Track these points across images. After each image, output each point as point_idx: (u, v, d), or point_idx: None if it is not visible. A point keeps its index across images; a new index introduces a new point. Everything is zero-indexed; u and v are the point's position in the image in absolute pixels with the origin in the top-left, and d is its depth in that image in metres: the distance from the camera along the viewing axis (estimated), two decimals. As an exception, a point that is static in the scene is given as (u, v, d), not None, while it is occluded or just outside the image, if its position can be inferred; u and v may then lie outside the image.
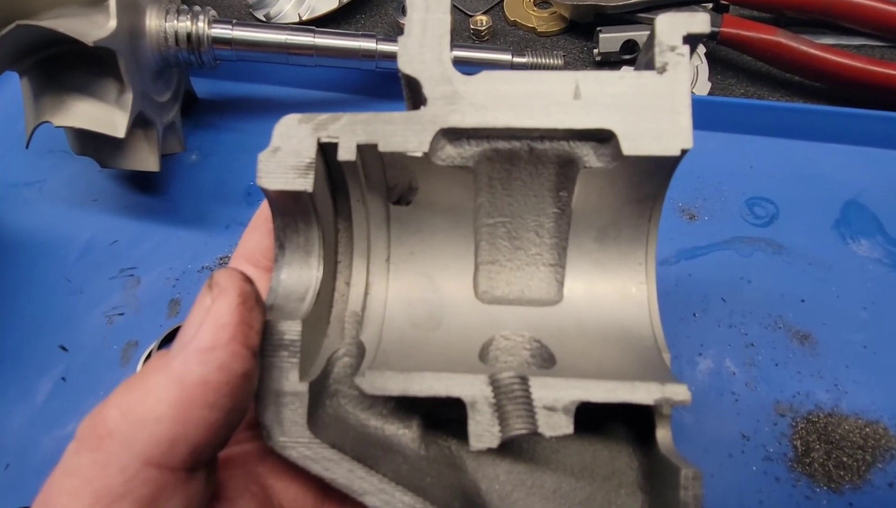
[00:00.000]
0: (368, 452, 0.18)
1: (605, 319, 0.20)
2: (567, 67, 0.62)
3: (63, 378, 0.47)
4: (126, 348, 0.48)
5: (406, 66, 0.18)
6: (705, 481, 0.37)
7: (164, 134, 0.54)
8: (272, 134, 0.18)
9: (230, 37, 0.52)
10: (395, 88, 0.41)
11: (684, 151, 0.17)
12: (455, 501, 0.17)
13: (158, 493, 0.15)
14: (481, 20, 0.65)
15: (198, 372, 0.15)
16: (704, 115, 0.54)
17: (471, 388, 0.16)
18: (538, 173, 0.20)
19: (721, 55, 0.62)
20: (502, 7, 0.69)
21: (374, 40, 0.55)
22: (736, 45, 0.58)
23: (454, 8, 0.70)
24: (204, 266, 0.52)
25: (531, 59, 0.59)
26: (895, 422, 0.39)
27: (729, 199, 0.52)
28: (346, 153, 0.18)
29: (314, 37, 0.54)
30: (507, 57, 0.59)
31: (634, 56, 0.61)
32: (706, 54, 0.60)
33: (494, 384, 0.16)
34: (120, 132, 0.44)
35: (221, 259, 0.53)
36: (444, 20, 0.19)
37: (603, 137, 0.18)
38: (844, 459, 0.38)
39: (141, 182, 0.58)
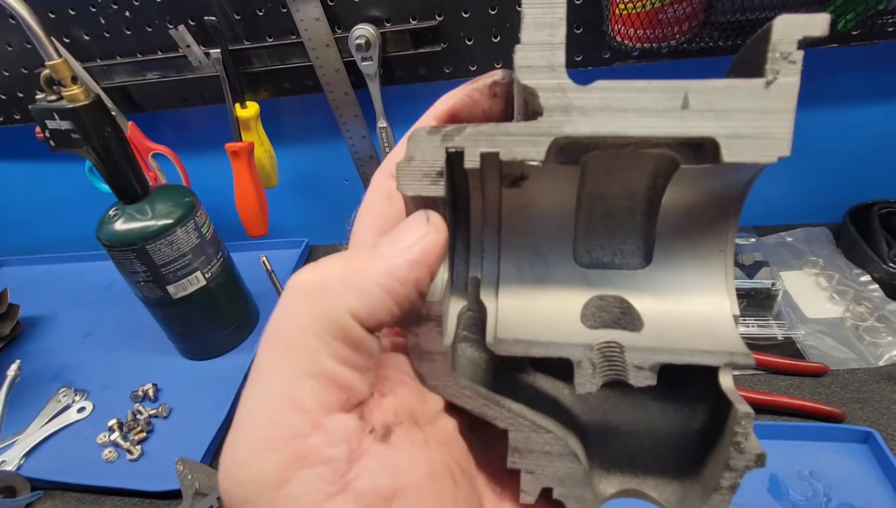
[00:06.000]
0: (496, 385, 0.23)
1: (685, 283, 0.23)
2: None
3: None
4: None
5: (526, 78, 0.19)
6: None
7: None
8: (405, 145, 0.20)
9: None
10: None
11: (780, 158, 0.18)
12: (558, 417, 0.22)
13: (357, 342, 0.18)
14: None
15: (402, 274, 0.18)
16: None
17: (577, 353, 0.20)
18: (638, 166, 0.22)
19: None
20: None
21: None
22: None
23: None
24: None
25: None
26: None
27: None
28: (471, 162, 0.20)
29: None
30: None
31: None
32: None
33: (595, 349, 0.20)
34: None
35: None
36: (560, 20, 0.19)
37: (705, 144, 0.19)
38: None
39: None
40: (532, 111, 0.20)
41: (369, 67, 0.70)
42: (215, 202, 0.82)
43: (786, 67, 0.18)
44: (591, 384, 0.20)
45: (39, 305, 0.95)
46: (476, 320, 0.24)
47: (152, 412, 0.72)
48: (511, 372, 0.24)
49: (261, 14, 0.70)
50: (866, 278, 0.72)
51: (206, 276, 0.73)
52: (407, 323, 0.21)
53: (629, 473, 0.22)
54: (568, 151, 0.21)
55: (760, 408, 0.60)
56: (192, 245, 0.70)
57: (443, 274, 0.21)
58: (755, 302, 0.68)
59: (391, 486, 0.17)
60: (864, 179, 0.78)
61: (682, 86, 0.18)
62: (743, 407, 0.19)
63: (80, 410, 0.74)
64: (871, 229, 0.74)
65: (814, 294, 0.72)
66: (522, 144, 0.19)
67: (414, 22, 0.69)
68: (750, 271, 0.69)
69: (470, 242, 0.24)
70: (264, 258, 0.56)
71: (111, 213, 0.67)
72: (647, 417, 0.23)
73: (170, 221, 0.67)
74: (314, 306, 0.17)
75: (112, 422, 0.71)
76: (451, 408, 0.22)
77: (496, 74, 0.24)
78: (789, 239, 0.79)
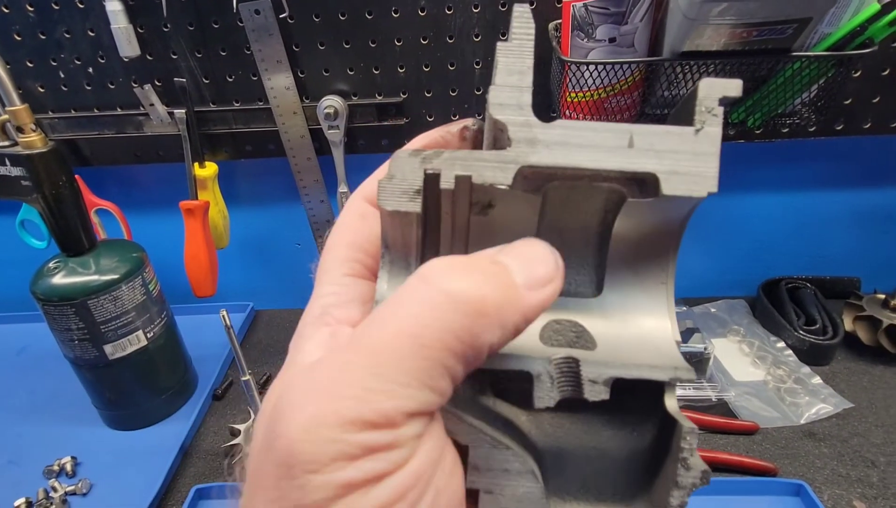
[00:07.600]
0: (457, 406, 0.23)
1: (632, 310, 0.25)
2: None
3: None
4: None
5: (497, 113, 0.22)
6: None
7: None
8: (388, 165, 0.22)
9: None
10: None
11: (710, 193, 0.21)
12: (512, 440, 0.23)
13: (472, 368, 0.18)
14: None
15: (530, 319, 0.19)
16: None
17: (537, 366, 0.21)
18: (591, 198, 0.24)
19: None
20: (453, 82, 0.75)
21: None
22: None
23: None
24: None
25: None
26: None
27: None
28: (446, 183, 0.21)
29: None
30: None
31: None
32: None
33: (554, 363, 0.21)
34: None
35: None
36: (528, 68, 0.22)
37: (648, 179, 0.22)
38: None
39: None
40: (500, 146, 0.22)
41: (335, 134, 0.73)
42: (159, 262, 0.79)
43: (710, 119, 0.21)
44: (549, 398, 0.21)
45: (-63, 372, 0.84)
46: None
47: (69, 488, 0.65)
48: (472, 394, 0.25)
49: (231, 80, 0.73)
50: (781, 344, 0.79)
51: (148, 336, 0.69)
52: None
53: (583, 499, 0.24)
54: (531, 179, 0.23)
55: (703, 465, 0.64)
56: (136, 303, 0.67)
57: None
58: (690, 365, 0.73)
59: (436, 459, 0.18)
60: (772, 257, 0.88)
61: (629, 129, 0.22)
62: (687, 423, 0.21)
63: (-20, 490, 0.65)
64: (781, 301, 0.83)
65: (738, 359, 0.79)
66: (493, 169, 0.21)
67: (380, 97, 0.74)
68: (684, 336, 0.74)
69: None
70: (224, 313, 0.55)
71: (51, 265, 0.63)
72: (599, 442, 0.25)
73: (115, 276, 0.64)
74: (463, 324, 0.17)
75: (19, 501, 0.63)
76: None
77: (468, 121, 0.27)
78: (713, 310, 0.87)
